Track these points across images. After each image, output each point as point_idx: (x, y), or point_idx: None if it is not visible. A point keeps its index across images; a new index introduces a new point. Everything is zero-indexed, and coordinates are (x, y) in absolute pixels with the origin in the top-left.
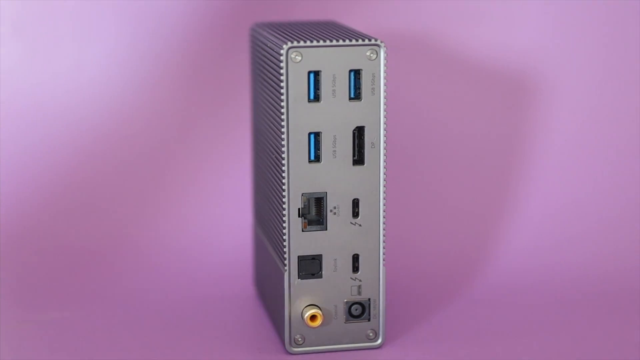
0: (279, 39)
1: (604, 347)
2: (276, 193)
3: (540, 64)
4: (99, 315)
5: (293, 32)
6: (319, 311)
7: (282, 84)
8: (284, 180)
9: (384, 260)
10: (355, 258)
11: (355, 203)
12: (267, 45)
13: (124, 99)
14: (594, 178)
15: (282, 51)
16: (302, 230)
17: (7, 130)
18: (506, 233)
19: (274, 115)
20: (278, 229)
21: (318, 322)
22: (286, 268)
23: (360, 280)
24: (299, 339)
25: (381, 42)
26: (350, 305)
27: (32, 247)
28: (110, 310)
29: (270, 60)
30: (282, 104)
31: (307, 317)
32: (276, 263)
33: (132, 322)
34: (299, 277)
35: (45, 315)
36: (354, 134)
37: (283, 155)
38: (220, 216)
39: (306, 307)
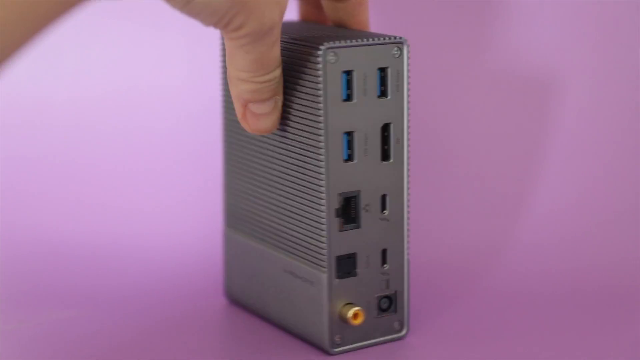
0: (312, 39)
1: (613, 347)
2: (307, 193)
3: (556, 64)
4: (99, 316)
5: (317, 33)
6: (359, 309)
7: (319, 85)
8: (321, 182)
9: (408, 253)
10: (384, 252)
11: (384, 199)
12: (297, 45)
13: (123, 100)
14: (612, 175)
15: (319, 52)
16: (339, 230)
17: (7, 130)
18: (527, 228)
19: (306, 115)
20: (309, 230)
21: (360, 319)
22: (325, 269)
23: (388, 274)
24: (338, 340)
25: (405, 39)
26: (379, 299)
27: (32, 248)
28: (108, 310)
29: (302, 60)
30: (319, 105)
31: (350, 315)
32: (290, 267)
33: (128, 323)
34: (337, 277)
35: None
36: (382, 131)
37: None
38: (191, 223)
39: (344, 306)
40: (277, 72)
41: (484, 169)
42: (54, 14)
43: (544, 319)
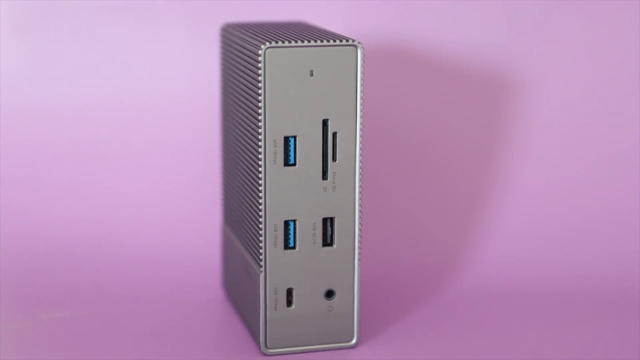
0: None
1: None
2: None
3: (516, 63)
4: (99, 315)
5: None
6: None
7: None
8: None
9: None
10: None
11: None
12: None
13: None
14: (574, 178)
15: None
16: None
17: (7, 131)
18: (486, 235)
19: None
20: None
21: None
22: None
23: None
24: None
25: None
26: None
27: (31, 247)
28: (107, 308)
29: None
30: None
31: None
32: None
33: (128, 319)
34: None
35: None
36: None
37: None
38: (189, 219)
39: None
40: None
41: (449, 173)
42: None
43: (506, 326)
